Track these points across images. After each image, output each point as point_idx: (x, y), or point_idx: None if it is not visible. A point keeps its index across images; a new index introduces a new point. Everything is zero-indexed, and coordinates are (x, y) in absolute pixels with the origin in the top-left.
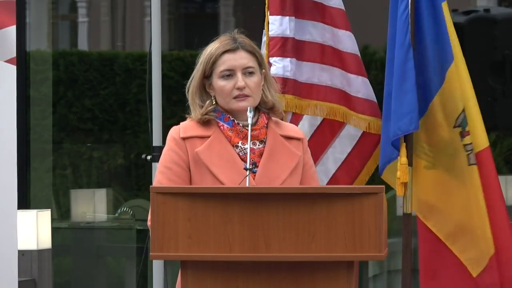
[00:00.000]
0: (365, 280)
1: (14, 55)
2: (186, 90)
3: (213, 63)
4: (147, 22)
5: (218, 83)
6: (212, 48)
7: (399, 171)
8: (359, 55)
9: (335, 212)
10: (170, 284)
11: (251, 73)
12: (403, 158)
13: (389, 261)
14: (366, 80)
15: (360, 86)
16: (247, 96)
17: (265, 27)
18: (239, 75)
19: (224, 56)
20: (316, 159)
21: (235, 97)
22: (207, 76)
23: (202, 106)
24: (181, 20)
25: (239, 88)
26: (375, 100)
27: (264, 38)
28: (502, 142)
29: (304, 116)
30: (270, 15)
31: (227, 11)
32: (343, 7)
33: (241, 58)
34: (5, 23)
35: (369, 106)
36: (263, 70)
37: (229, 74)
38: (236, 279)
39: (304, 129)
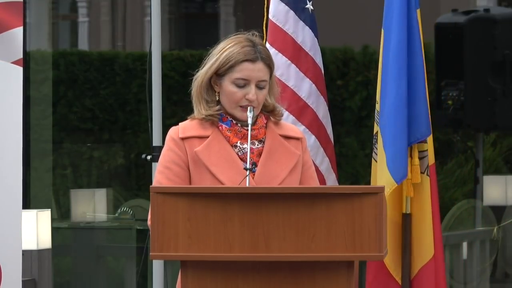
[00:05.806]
0: (365, 280)
1: (21, 56)
2: (194, 79)
3: (230, 66)
4: (147, 22)
5: (229, 87)
6: (232, 50)
7: (411, 172)
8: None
9: (335, 212)
10: (170, 284)
11: (262, 87)
12: (415, 159)
13: None
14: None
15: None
16: (253, 108)
17: (264, 29)
18: (252, 87)
19: (243, 64)
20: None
21: (242, 106)
22: (219, 74)
23: (208, 101)
24: (181, 20)
25: (249, 100)
26: None
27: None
28: (502, 142)
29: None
30: None
31: (227, 11)
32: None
33: (259, 71)
34: (13, 24)
35: None
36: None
37: (244, 83)
38: (236, 279)
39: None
